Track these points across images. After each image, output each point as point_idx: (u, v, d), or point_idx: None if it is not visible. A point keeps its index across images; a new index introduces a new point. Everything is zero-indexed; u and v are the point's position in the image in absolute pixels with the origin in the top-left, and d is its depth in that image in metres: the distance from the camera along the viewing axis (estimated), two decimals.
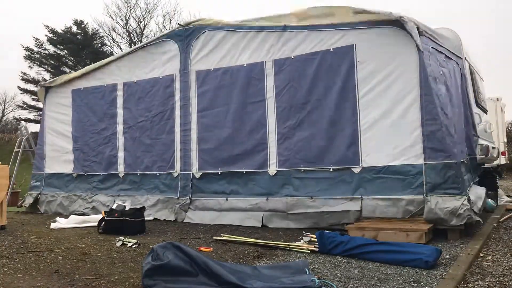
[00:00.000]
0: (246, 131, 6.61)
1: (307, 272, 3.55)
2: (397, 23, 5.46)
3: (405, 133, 5.44)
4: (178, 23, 7.78)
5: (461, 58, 6.93)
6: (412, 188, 5.32)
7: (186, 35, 7.38)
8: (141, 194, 7.52)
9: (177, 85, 7.38)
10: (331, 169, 5.89)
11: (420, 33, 5.39)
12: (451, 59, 6.36)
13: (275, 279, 3.37)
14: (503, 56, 43.47)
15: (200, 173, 6.97)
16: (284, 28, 6.42)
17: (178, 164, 7.21)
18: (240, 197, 6.54)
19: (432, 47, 5.66)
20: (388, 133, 5.56)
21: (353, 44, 5.86)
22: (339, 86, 5.90)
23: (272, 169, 6.33)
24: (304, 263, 3.87)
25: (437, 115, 5.23)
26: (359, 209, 5.59)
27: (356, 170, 5.71)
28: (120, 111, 8.04)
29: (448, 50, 6.28)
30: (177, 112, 7.33)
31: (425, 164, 5.28)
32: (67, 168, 8.60)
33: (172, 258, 3.28)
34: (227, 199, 6.66)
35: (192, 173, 7.04)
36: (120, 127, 8.00)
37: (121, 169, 7.88)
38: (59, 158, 8.77)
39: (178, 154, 7.23)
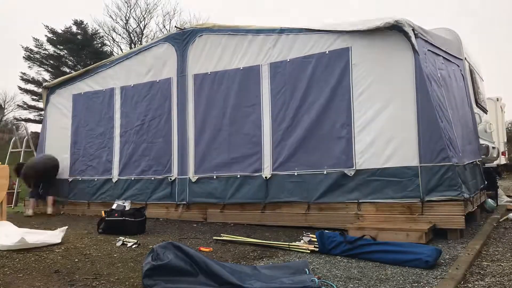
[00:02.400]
0: (242, 135, 6.60)
1: (307, 272, 3.55)
2: (393, 27, 5.44)
3: (400, 135, 5.42)
4: (176, 26, 7.77)
5: (461, 59, 6.92)
6: (409, 190, 5.30)
7: (183, 38, 7.37)
8: (136, 200, 7.46)
9: (174, 88, 7.36)
10: (325, 172, 5.88)
11: (416, 35, 5.38)
12: (450, 60, 6.34)
13: (275, 279, 3.38)
14: (503, 56, 43.46)
15: (196, 177, 6.97)
16: (281, 31, 6.41)
17: (175, 168, 7.20)
18: (235, 200, 6.53)
19: (428, 50, 5.65)
20: (383, 135, 5.52)
21: (348, 47, 5.84)
22: (333, 88, 5.88)
23: (266, 172, 6.32)
24: (304, 263, 3.87)
25: (433, 117, 5.21)
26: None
27: (351, 172, 5.68)
28: (117, 115, 8.02)
29: (446, 52, 6.26)
30: (175, 115, 7.31)
31: (420, 166, 5.26)
32: (64, 173, 8.58)
33: (172, 258, 3.28)
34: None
35: (189, 177, 7.03)
36: (117, 131, 7.98)
37: (115, 173, 7.88)
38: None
39: (175, 158, 7.22)
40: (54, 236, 5.31)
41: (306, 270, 3.63)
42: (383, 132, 5.53)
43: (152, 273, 3.20)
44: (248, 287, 3.14)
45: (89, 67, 8.90)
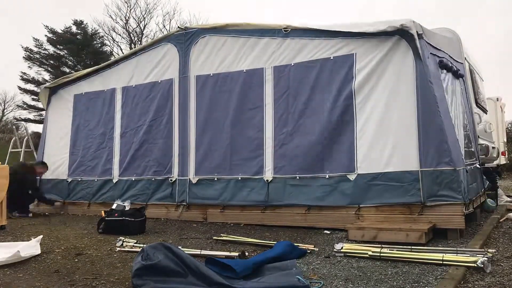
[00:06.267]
0: (244, 137, 6.58)
1: (295, 272, 3.57)
2: (397, 31, 5.44)
3: (401, 139, 5.41)
4: (179, 26, 7.71)
5: (462, 60, 6.90)
6: (409, 195, 5.29)
7: (185, 39, 7.34)
8: (137, 200, 7.43)
9: (176, 89, 7.34)
10: (327, 176, 5.86)
11: (419, 36, 5.36)
12: (450, 62, 6.32)
13: (264, 279, 3.40)
14: (503, 56, 43.46)
15: (197, 179, 6.96)
16: (286, 35, 6.39)
17: (175, 169, 7.19)
18: (236, 202, 6.53)
19: (430, 53, 5.62)
20: (384, 140, 5.52)
21: (353, 53, 5.83)
22: (337, 94, 5.87)
23: (268, 175, 6.31)
24: (292, 262, 3.89)
25: (434, 121, 5.20)
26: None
27: (352, 177, 5.67)
28: (118, 115, 8.01)
29: (447, 54, 6.24)
30: (176, 117, 7.29)
31: (421, 170, 5.24)
32: (63, 173, 8.59)
33: (162, 258, 3.29)
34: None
35: (189, 179, 7.02)
36: (118, 131, 7.97)
37: (116, 174, 7.87)
38: (56, 163, 8.74)
39: (176, 159, 7.21)
40: (32, 247, 4.60)
41: (294, 269, 3.65)
42: (384, 137, 5.52)
43: (141, 272, 3.21)
44: (238, 287, 3.15)
45: (91, 69, 8.87)
